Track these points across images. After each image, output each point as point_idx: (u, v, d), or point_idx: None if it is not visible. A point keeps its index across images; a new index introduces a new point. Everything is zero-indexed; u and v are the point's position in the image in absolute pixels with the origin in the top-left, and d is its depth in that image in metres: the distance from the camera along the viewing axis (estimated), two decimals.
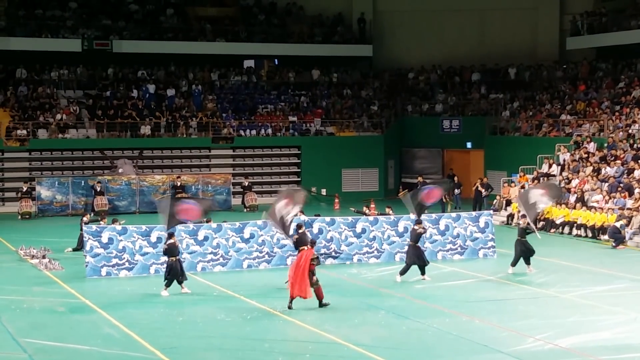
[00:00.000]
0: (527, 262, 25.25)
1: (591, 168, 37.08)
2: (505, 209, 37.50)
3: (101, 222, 28.61)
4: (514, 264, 25.23)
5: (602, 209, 32.71)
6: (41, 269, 26.07)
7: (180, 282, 22.55)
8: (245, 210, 40.80)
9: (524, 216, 25.51)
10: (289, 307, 20.44)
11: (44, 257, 27.12)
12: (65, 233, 32.78)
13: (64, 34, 47.00)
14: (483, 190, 38.99)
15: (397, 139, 48.31)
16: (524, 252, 25.17)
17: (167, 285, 22.47)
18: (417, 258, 24.04)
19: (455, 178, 41.74)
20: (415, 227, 24.41)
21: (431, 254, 27.49)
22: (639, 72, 44.43)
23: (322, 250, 26.73)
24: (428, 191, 24.94)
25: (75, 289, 23.18)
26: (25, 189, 39.40)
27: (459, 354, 16.91)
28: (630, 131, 39.04)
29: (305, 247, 21.30)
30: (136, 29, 48.65)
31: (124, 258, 25.15)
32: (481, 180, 39.51)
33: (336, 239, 27.08)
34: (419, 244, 24.46)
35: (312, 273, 20.47)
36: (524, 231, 25.21)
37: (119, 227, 25.89)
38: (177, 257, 22.65)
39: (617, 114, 41.20)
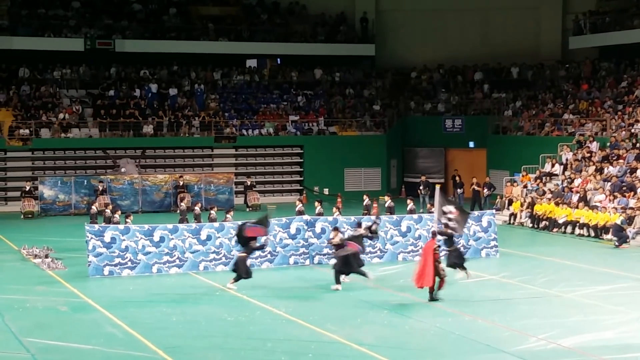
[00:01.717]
0: (463, 268, 24.64)
1: (594, 167, 37.07)
2: (508, 209, 37.50)
3: (115, 216, 28.82)
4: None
5: (605, 208, 32.68)
6: (44, 268, 26.09)
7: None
8: (247, 209, 40.82)
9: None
10: (434, 299, 21.10)
11: (46, 256, 27.14)
12: (68, 232, 32.83)
13: (67, 33, 47.03)
14: (485, 190, 39.04)
15: (399, 138, 48.31)
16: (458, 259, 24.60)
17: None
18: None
19: (457, 178, 41.75)
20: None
21: None
22: None
23: (325, 251, 26.73)
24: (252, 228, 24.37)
25: (77, 288, 23.18)
26: (28, 188, 39.44)
27: (461, 354, 16.90)
28: (632, 130, 39.02)
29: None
30: (139, 28, 48.67)
31: (127, 257, 25.15)
32: (477, 180, 39.65)
33: None
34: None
35: (438, 262, 21.10)
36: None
37: (129, 221, 26.25)
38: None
39: (619, 113, 41.19)
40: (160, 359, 16.55)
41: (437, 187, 24.60)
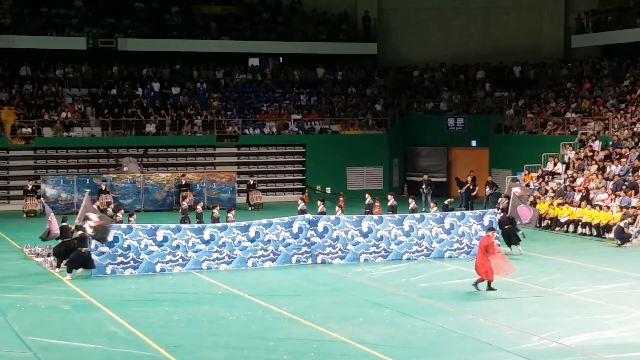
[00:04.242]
0: None
1: (596, 166, 37.06)
2: None
3: (117, 214, 28.89)
4: None
5: (607, 207, 32.65)
6: (46, 267, 26.12)
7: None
8: (250, 208, 40.82)
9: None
10: (491, 289, 22.33)
11: (49, 255, 27.15)
12: None
13: (69, 32, 47.04)
14: (487, 189, 39.02)
15: (401, 137, 48.30)
16: None
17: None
18: None
19: (469, 179, 41.31)
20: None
21: (439, 253, 27.55)
22: None
23: (328, 250, 26.72)
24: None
25: (80, 287, 23.21)
26: (30, 187, 39.45)
27: (463, 353, 16.90)
28: (635, 129, 39.00)
29: None
30: (141, 27, 48.67)
31: (129, 256, 25.17)
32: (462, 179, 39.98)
33: (342, 238, 27.02)
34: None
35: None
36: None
37: (132, 220, 26.49)
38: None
39: (622, 112, 41.17)
40: (162, 357, 16.57)
41: (87, 191, 26.95)
